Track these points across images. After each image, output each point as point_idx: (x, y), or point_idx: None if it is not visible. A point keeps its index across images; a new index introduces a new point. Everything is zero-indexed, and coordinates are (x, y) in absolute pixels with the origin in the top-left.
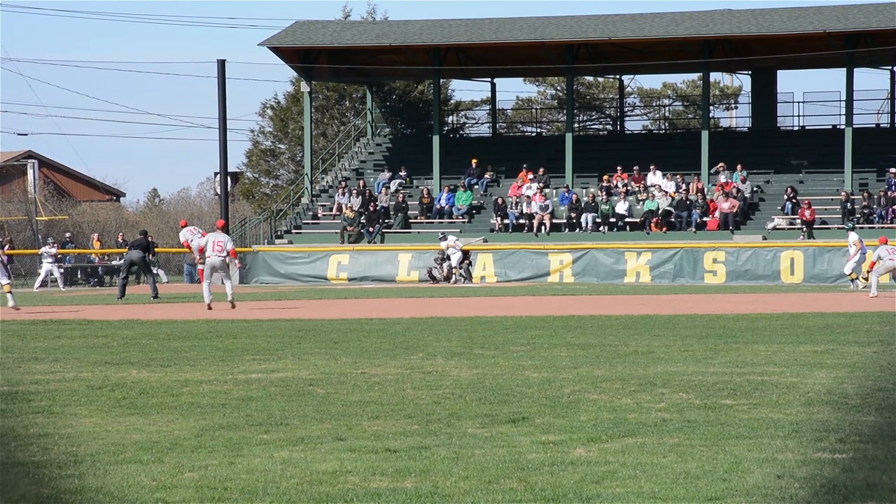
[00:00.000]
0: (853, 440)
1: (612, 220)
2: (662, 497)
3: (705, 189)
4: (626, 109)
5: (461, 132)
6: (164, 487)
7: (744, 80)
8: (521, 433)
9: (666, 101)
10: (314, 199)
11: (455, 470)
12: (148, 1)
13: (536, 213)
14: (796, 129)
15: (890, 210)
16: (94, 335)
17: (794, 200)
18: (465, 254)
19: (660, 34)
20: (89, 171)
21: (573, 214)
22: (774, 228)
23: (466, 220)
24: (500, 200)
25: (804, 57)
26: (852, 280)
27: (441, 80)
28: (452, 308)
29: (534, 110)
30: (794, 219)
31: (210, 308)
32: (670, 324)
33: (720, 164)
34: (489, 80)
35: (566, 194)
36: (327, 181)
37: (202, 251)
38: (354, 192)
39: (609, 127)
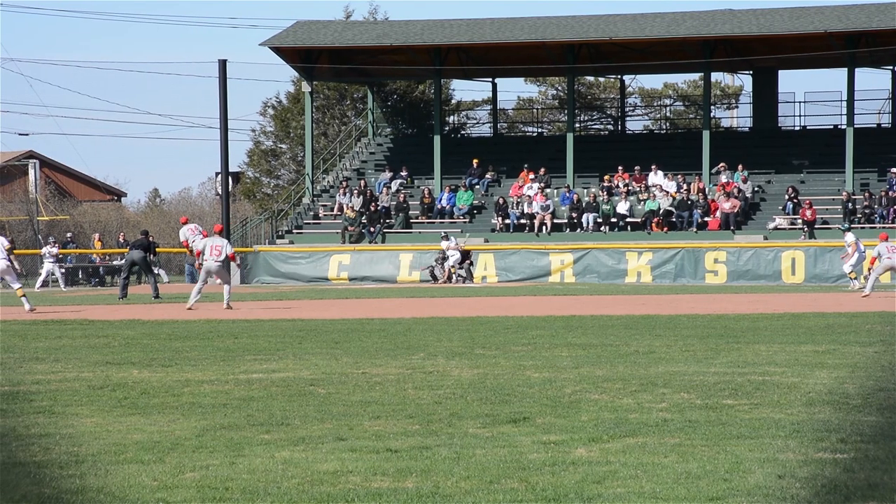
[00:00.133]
0: (854, 440)
1: (614, 220)
2: (664, 497)
3: (706, 189)
4: (627, 109)
5: (462, 132)
6: (166, 487)
7: (745, 80)
8: (522, 433)
9: (667, 101)
10: (315, 199)
11: (456, 470)
12: (149, 1)
13: (537, 213)
14: (797, 129)
15: (891, 210)
16: (95, 335)
17: (795, 200)
18: (467, 254)
19: (661, 34)
20: (90, 171)
21: (574, 214)
22: (775, 228)
23: (467, 220)
24: (501, 200)
25: (805, 57)
26: (853, 279)
27: (442, 80)
28: (453, 308)
29: (535, 110)
30: (795, 219)
31: (190, 309)
32: (671, 324)
33: (721, 164)
34: (490, 80)
35: (567, 194)
36: (328, 181)
37: (199, 255)
38: (355, 192)
39: (610, 127)
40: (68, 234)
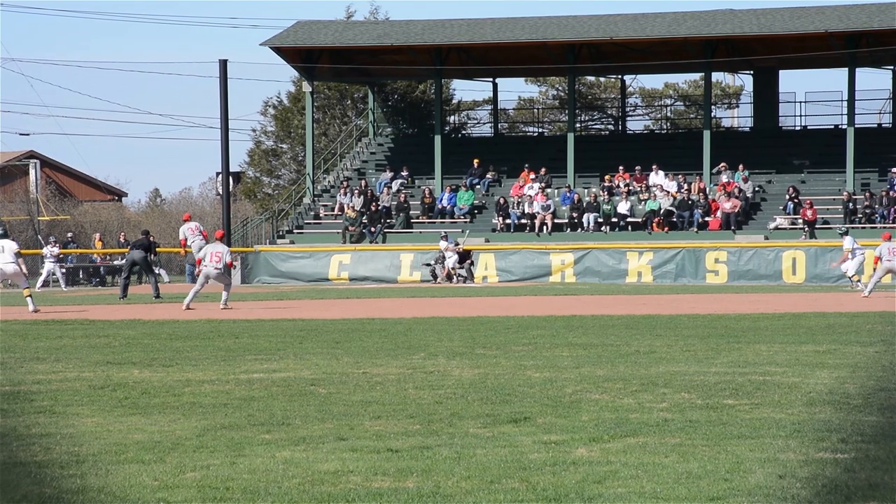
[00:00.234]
0: (855, 440)
1: (614, 219)
2: (664, 497)
3: (707, 189)
4: (627, 109)
5: (463, 132)
6: (166, 487)
7: (745, 80)
8: (522, 433)
9: (668, 101)
10: (316, 198)
11: (457, 470)
12: (150, 1)
13: (538, 212)
14: (798, 128)
15: (892, 210)
16: (96, 335)
17: (795, 200)
18: (468, 254)
19: (661, 34)
20: (91, 170)
21: (575, 214)
22: (776, 228)
23: (468, 220)
24: (501, 200)
25: (806, 57)
26: (858, 281)
27: (443, 80)
28: (454, 308)
29: (536, 110)
30: (795, 219)
31: (187, 309)
32: (672, 324)
33: (722, 164)
34: (491, 80)
35: (568, 194)
36: (329, 181)
37: (200, 262)
38: (356, 191)
39: (611, 127)
40: (69, 234)
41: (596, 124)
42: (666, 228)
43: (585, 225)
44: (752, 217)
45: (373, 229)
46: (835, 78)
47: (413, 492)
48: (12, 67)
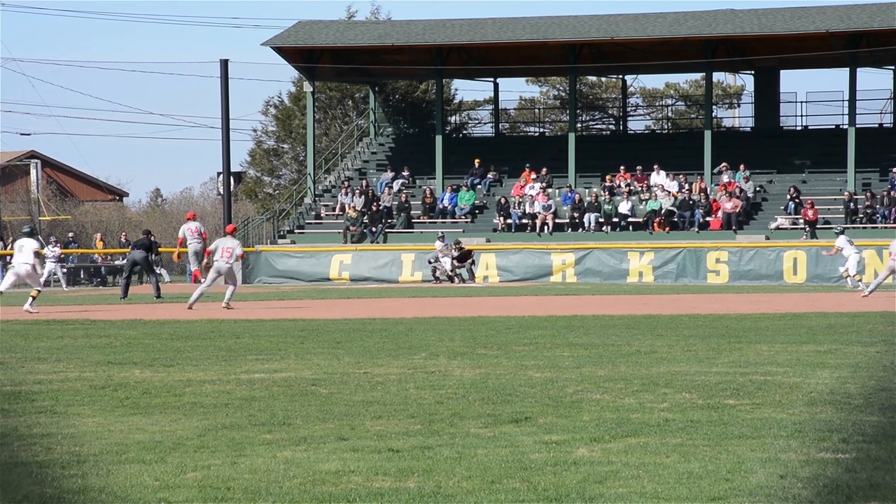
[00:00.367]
0: (856, 440)
1: (615, 219)
2: (665, 497)
3: (708, 189)
4: (628, 109)
5: (464, 132)
6: (167, 487)
7: (746, 80)
8: (523, 433)
9: (668, 101)
10: (317, 198)
11: (458, 470)
12: (151, 1)
13: (539, 212)
14: (799, 128)
15: (893, 210)
16: (96, 335)
17: (796, 200)
18: (468, 253)
19: (662, 34)
20: (92, 170)
21: (576, 214)
22: (777, 228)
23: (469, 220)
24: (502, 200)
25: (807, 57)
26: (859, 280)
27: (444, 80)
28: (455, 308)
29: (537, 110)
30: (796, 219)
31: (190, 308)
32: (673, 324)
33: (723, 164)
34: (492, 79)
35: (569, 194)
36: (330, 181)
37: (209, 254)
38: (357, 191)
39: (612, 127)
40: (70, 234)
41: (597, 124)
42: (667, 228)
43: (586, 225)
44: (753, 217)
45: (374, 229)
46: (836, 78)
47: (414, 492)
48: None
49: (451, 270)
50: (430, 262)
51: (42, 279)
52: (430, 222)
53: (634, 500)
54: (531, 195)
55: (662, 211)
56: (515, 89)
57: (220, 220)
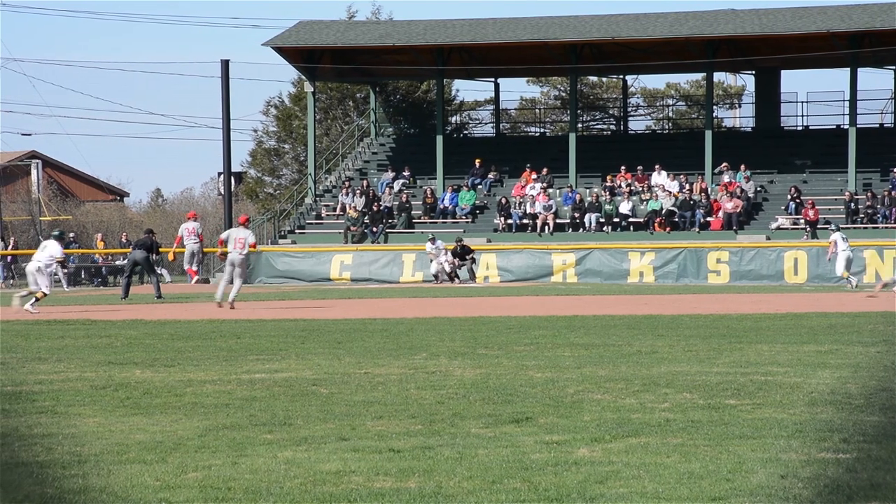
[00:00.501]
0: (857, 440)
1: (616, 220)
2: (666, 497)
3: (709, 189)
4: (629, 109)
5: (465, 132)
6: (168, 487)
7: (747, 80)
8: (524, 433)
9: (669, 101)
10: (318, 199)
11: (458, 470)
12: (151, 1)
13: (540, 212)
14: (800, 129)
15: (894, 210)
16: (97, 335)
17: (797, 200)
18: (469, 253)
19: (663, 34)
20: (93, 171)
21: (577, 214)
22: (778, 228)
23: (470, 220)
24: (503, 200)
25: (808, 57)
26: (846, 278)
27: (445, 80)
28: (455, 308)
29: (537, 110)
30: (797, 219)
31: (220, 306)
32: (674, 324)
33: (724, 164)
34: (493, 80)
35: (570, 194)
36: (331, 181)
37: (222, 243)
38: (358, 192)
39: (613, 127)
40: (71, 235)
41: (598, 124)
42: (668, 228)
43: (587, 225)
44: (754, 217)
45: (374, 229)
46: (836, 78)
47: (415, 492)
48: (14, 67)
49: (451, 270)
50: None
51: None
52: (430, 222)
53: (635, 500)
54: (532, 195)
55: (663, 211)
56: (516, 89)
57: (221, 221)
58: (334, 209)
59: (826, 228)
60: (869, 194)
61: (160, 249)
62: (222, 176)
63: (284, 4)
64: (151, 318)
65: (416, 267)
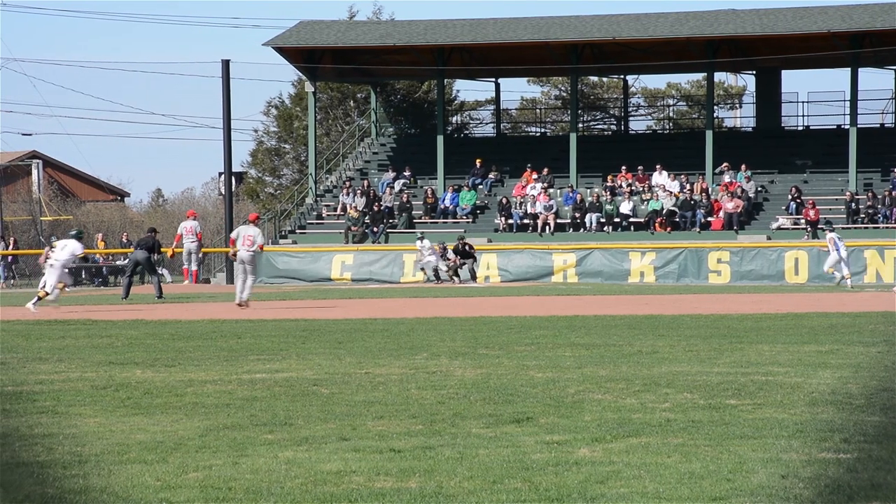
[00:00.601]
0: (858, 440)
1: (617, 220)
2: (667, 497)
3: (709, 189)
4: (630, 109)
5: (465, 132)
6: (169, 487)
7: (748, 80)
8: (525, 433)
9: (670, 101)
10: (318, 199)
11: (459, 470)
12: (152, 1)
13: (541, 212)
14: (801, 129)
15: (894, 210)
16: (98, 335)
17: (798, 200)
18: (470, 252)
19: (664, 34)
20: (93, 171)
21: (577, 214)
22: (779, 228)
23: (471, 220)
24: (504, 200)
25: (809, 57)
26: (832, 273)
27: (445, 80)
28: (456, 308)
29: (538, 110)
30: (798, 219)
31: (240, 306)
32: (674, 324)
33: (724, 164)
34: (493, 80)
35: (570, 194)
36: (331, 181)
37: (233, 242)
38: (358, 192)
39: (613, 127)
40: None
41: (598, 124)
42: (668, 228)
43: (588, 225)
44: (755, 217)
45: (375, 229)
46: (837, 78)
47: (416, 492)
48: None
49: (447, 269)
50: (436, 269)
51: (43, 280)
52: (431, 222)
53: (636, 500)
54: (532, 195)
55: (664, 211)
56: (517, 89)
57: (222, 221)
58: (335, 209)
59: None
60: (870, 194)
61: (161, 249)
62: (223, 176)
63: (285, 4)
64: (152, 318)
65: (417, 267)
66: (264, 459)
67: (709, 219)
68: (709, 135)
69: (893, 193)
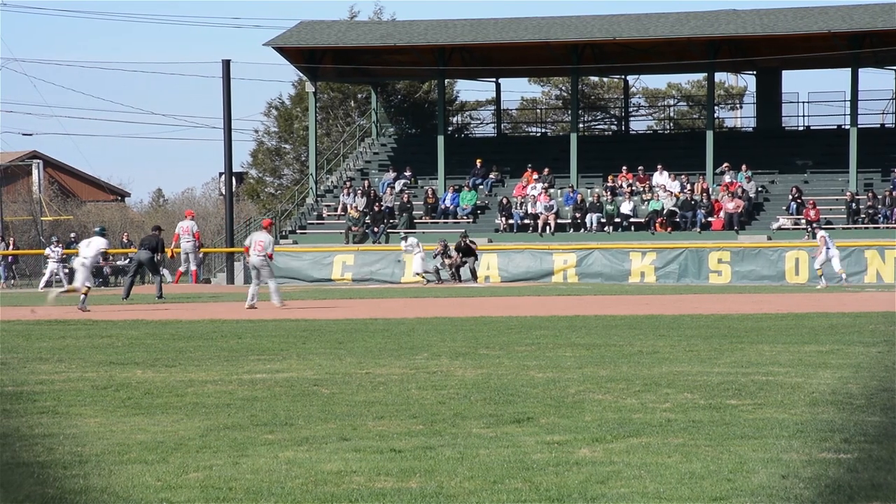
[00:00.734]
0: (858, 440)
1: (617, 220)
2: (667, 497)
3: (710, 189)
4: (630, 109)
5: (466, 132)
6: (169, 487)
7: (749, 81)
8: (525, 433)
9: (671, 102)
10: (319, 199)
11: (460, 470)
12: (152, 1)
13: (541, 213)
14: (801, 129)
15: (895, 210)
16: (98, 335)
17: (798, 200)
18: (471, 252)
19: (665, 34)
20: (94, 171)
21: (578, 214)
22: (779, 228)
23: (471, 220)
24: (504, 200)
25: (809, 57)
26: (820, 276)
27: (446, 81)
28: (457, 308)
29: (538, 110)
30: (798, 219)
31: (252, 308)
32: (675, 324)
33: (725, 165)
34: (494, 80)
35: (571, 194)
36: (332, 181)
37: (247, 250)
38: (359, 192)
39: (614, 127)
40: (72, 235)
41: (599, 124)
42: (669, 229)
43: (588, 225)
44: (755, 217)
45: (376, 229)
46: (838, 78)
47: (416, 492)
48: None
49: (450, 267)
50: (437, 269)
51: (44, 280)
52: (432, 222)
53: (636, 501)
54: (533, 195)
55: (664, 211)
56: (517, 89)
57: (223, 221)
58: (336, 209)
59: (827, 229)
60: (870, 194)
61: (164, 248)
62: (223, 176)
63: (286, 4)
64: (153, 319)
65: (417, 268)
66: (265, 459)
67: (709, 219)
68: (709, 135)
69: (894, 193)
